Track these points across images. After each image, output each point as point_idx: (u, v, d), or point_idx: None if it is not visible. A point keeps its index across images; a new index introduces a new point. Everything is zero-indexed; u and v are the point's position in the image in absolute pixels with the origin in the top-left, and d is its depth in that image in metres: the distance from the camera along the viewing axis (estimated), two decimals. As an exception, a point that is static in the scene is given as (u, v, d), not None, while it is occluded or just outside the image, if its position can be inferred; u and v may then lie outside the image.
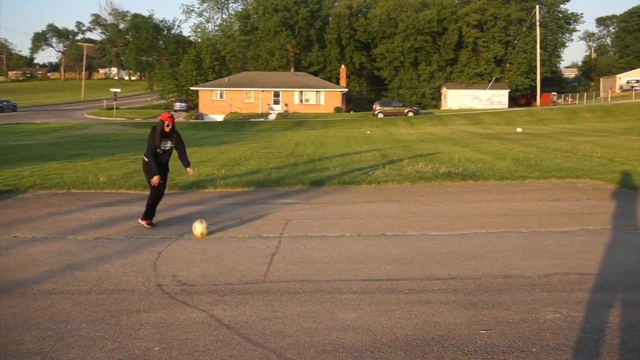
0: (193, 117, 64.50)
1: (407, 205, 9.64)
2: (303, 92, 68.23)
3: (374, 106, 59.35)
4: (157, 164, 7.96)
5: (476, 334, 4.20)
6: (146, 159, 7.99)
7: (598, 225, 7.79)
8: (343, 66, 75.88)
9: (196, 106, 70.79)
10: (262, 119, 58.35)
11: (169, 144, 8.12)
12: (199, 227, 7.50)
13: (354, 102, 77.47)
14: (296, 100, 67.64)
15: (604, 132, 29.11)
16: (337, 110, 66.63)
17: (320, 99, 68.08)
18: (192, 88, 73.27)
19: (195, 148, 23.35)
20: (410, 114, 56.99)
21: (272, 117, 60.73)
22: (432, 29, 74.05)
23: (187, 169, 8.41)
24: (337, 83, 73.77)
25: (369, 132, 37.31)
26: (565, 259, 6.12)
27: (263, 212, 9.19)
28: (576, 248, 6.59)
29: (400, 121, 50.80)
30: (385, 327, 4.35)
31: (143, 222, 8.15)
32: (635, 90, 71.63)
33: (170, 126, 7.95)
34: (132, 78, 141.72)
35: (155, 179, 7.87)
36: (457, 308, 4.72)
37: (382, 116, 56.34)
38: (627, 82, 78.57)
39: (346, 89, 70.92)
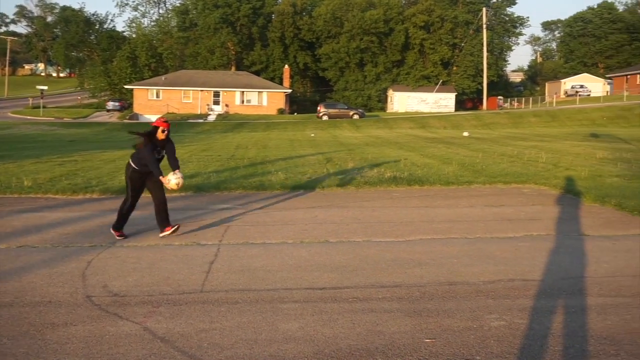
0: (127, 117, 63.28)
1: (351, 211, 9.72)
2: (245, 93, 67.99)
3: (319, 108, 59.61)
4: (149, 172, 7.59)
5: (420, 342, 4.28)
6: (134, 165, 7.54)
7: (542, 231, 8.05)
8: (286, 66, 75.99)
9: (130, 106, 69.51)
10: (201, 120, 57.80)
11: (163, 153, 7.72)
12: (173, 179, 7.47)
13: (298, 104, 77.67)
14: (237, 101, 67.33)
15: (549, 137, 30.10)
16: (281, 111, 66.66)
17: (262, 99, 67.97)
18: (126, 86, 71.91)
19: (128, 150, 22.93)
20: (356, 116, 57.51)
21: (211, 118, 60.26)
22: (379, 30, 75.02)
23: (176, 171, 7.83)
24: (281, 83, 73.82)
25: (313, 134, 37.45)
26: (509, 265, 6.30)
27: (201, 218, 9.11)
28: (521, 254, 6.79)
29: (346, 124, 51.22)
30: (328, 337, 4.38)
31: (114, 233, 7.68)
32: (579, 95, 74.40)
33: (166, 132, 7.57)
34: (61, 75, 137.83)
35: (165, 180, 7.53)
36: (401, 316, 4.79)
37: (327, 118, 56.66)
38: (572, 88, 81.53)
39: (290, 90, 71.03)
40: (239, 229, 8.29)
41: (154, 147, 7.51)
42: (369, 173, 14.01)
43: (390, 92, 76.39)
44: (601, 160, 16.62)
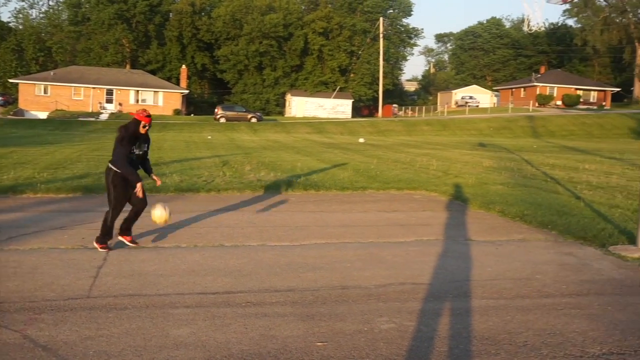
0: (11, 113, 59.91)
1: (247, 215, 9.68)
2: (139, 92, 66.22)
3: (216, 110, 59.01)
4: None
5: (312, 346, 4.32)
6: (115, 168, 6.81)
7: (432, 236, 8.36)
8: (184, 66, 74.75)
9: (15, 101, 65.92)
10: (93, 119, 55.67)
11: (145, 147, 7.13)
12: (158, 212, 7.01)
13: (195, 105, 76.56)
14: (132, 100, 65.42)
15: (440, 145, 31.31)
16: (177, 112, 65.41)
17: (158, 99, 66.44)
18: (10, 80, 68.21)
19: (12, 148, 21.72)
20: (254, 120, 57.41)
21: (104, 116, 58.16)
22: (278, 34, 75.32)
23: (153, 176, 7.42)
24: (177, 84, 72.50)
25: (210, 137, 37.01)
26: (400, 269, 6.49)
27: (90, 220, 8.75)
28: (411, 258, 7.01)
29: (243, 127, 50.98)
30: (220, 343, 4.33)
31: (97, 245, 6.98)
32: (469, 106, 77.97)
33: (147, 127, 6.94)
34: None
35: (139, 187, 6.86)
36: (294, 320, 4.82)
37: (225, 121, 56.19)
38: (462, 98, 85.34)
39: (187, 91, 69.89)
40: (130, 233, 8.03)
41: (132, 144, 6.89)
42: (265, 177, 14.01)
43: (288, 97, 76.84)
44: (487, 168, 17.47)
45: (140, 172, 7.12)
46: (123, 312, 4.91)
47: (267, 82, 78.28)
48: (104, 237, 7.03)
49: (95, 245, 6.99)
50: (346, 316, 4.96)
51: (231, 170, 15.57)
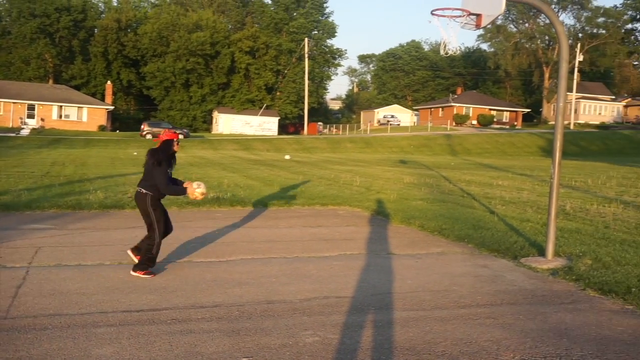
0: None
1: (173, 231, 9.48)
2: (63, 107, 64.11)
3: (142, 126, 57.76)
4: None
5: (238, 361, 4.27)
6: (148, 191, 6.55)
7: (355, 250, 8.44)
8: (109, 82, 72.95)
9: None
10: (13, 134, 53.30)
11: (174, 165, 6.85)
12: (198, 189, 6.72)
13: (121, 121, 74.77)
14: (54, 116, 63.23)
15: (363, 162, 31.76)
16: (102, 128, 63.69)
17: (82, 115, 64.53)
18: None
19: None
20: (181, 136, 56.30)
21: (25, 132, 55.80)
22: (205, 52, 74.72)
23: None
24: (102, 100, 70.66)
25: (136, 153, 36.18)
26: (325, 283, 6.52)
27: (9, 238, 8.37)
28: (335, 272, 7.05)
29: (170, 143, 50.04)
30: (144, 361, 4.21)
31: (139, 274, 6.56)
32: (390, 124, 79.60)
33: (178, 144, 6.77)
34: None
35: (192, 192, 6.69)
36: (220, 336, 4.76)
37: (151, 137, 55.03)
38: (384, 117, 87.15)
39: (112, 107, 68.21)
40: (52, 251, 7.74)
41: (168, 164, 6.65)
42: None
43: (215, 114, 76.20)
44: (408, 185, 17.84)
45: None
46: (43, 333, 4.71)
47: (194, 99, 77.39)
48: (148, 264, 6.65)
49: (137, 274, 6.57)
50: (271, 330, 4.93)
51: (157, 186, 15.24)
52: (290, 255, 7.99)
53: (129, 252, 6.91)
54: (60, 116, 63.65)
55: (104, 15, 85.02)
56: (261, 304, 5.70)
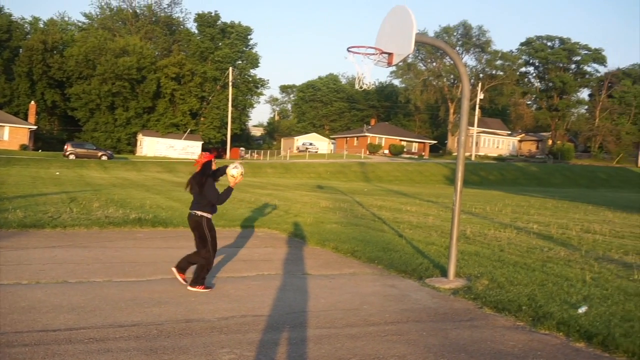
0: None
1: (93, 251, 9.16)
2: (-17, 125, 60.77)
3: (66, 147, 55.60)
4: None
5: (155, 379, 4.15)
6: (206, 215, 6.88)
7: (272, 270, 8.41)
8: (33, 102, 69.87)
9: None
10: None
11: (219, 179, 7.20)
12: (235, 171, 6.94)
13: (44, 141, 71.67)
14: (-26, 134, 59.85)
15: (282, 187, 31.79)
16: (24, 147, 60.82)
17: (3, 134, 61.46)
18: None
19: None
20: (104, 157, 54.80)
21: (-58, 149, 52.56)
22: (131, 76, 73.04)
23: None
24: (26, 119, 67.57)
25: (58, 173, 34.74)
26: (242, 302, 6.45)
27: None
28: (252, 292, 7.00)
29: (93, 164, 48.43)
30: (59, 381, 4.02)
31: (199, 289, 6.84)
32: (309, 151, 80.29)
33: (215, 163, 7.10)
34: None
35: (234, 175, 6.98)
36: (138, 355, 4.61)
37: (74, 158, 53.07)
38: (303, 144, 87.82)
39: (35, 127, 65.31)
40: (-34, 270, 7.27)
41: (214, 180, 7.03)
42: (114, 214, 13.37)
43: (140, 137, 74.43)
44: (324, 208, 17.99)
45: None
46: (-46, 353, 4.41)
47: (119, 122, 75.25)
48: (204, 278, 6.98)
49: (197, 289, 6.85)
50: (189, 349, 4.82)
51: (79, 206, 14.68)
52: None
53: (174, 270, 7.16)
54: (-20, 134, 60.41)
55: (30, 35, 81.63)
56: (180, 322, 5.57)
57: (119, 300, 6.26)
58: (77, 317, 5.54)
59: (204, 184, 6.84)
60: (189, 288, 6.87)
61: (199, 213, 6.87)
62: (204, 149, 72.34)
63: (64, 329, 5.17)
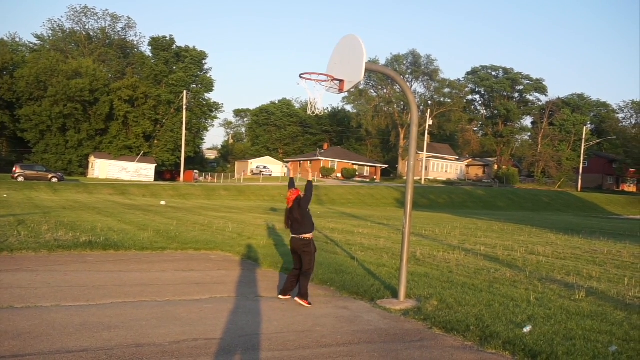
0: None
1: (41, 275, 8.85)
2: None
3: (15, 169, 53.79)
4: None
5: (104, 406, 4.01)
6: (310, 237, 7.99)
7: (225, 293, 8.30)
8: (-19, 123, 67.58)
9: None
10: None
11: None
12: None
13: (-9, 163, 69.26)
14: None
15: (236, 209, 31.52)
16: (-31, 169, 58.52)
17: (-51, 155, 59.00)
18: None
19: None
20: (55, 179, 53.26)
21: None
22: (84, 98, 71.64)
23: None
24: (-28, 140, 65.14)
25: (5, 195, 33.56)
26: (194, 326, 6.34)
27: None
28: (205, 315, 6.88)
29: (43, 186, 47.00)
30: (3, 409, 3.85)
31: (304, 302, 7.71)
32: (262, 174, 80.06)
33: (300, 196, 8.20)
34: None
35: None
36: (86, 381, 4.46)
37: (23, 180, 51.39)
38: (257, 167, 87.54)
39: (-18, 148, 62.98)
40: None
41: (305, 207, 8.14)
42: (64, 237, 12.99)
43: (92, 159, 72.81)
44: (277, 231, 17.90)
45: None
46: None
47: (71, 144, 73.46)
48: (308, 295, 7.83)
49: (303, 302, 7.70)
50: (140, 374, 4.70)
51: (27, 229, 14.20)
52: (161, 298, 7.70)
53: (281, 297, 8.08)
54: None
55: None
56: (130, 347, 5.43)
57: (67, 325, 6.06)
58: (23, 344, 5.33)
59: (305, 215, 8.00)
60: (296, 299, 7.78)
61: (307, 237, 7.97)
62: (163, 171, 71.30)
63: (9, 356, 4.96)
